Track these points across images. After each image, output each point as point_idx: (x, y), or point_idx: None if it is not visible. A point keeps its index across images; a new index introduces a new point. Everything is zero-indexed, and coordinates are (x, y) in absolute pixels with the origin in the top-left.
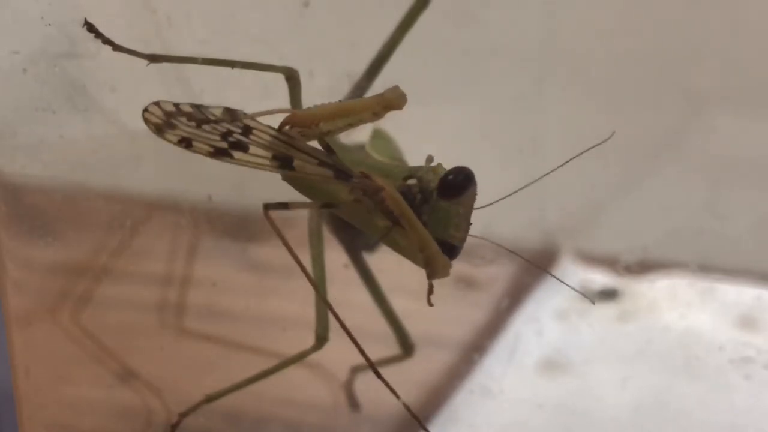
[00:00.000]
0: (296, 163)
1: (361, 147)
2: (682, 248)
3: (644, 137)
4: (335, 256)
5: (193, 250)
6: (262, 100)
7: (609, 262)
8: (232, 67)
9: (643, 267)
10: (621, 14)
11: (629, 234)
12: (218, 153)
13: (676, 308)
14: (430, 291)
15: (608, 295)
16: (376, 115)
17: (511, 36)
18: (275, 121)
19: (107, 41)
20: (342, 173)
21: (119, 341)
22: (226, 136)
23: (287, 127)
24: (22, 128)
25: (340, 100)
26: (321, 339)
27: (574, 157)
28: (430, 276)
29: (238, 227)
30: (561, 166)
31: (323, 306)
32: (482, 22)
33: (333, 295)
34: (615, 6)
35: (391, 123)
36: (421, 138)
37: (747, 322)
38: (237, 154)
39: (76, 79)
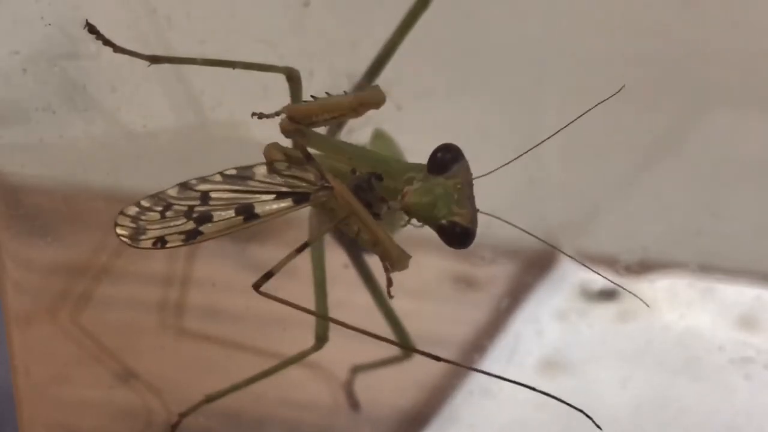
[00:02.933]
0: (257, 209)
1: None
2: (682, 248)
3: (644, 137)
4: (335, 256)
5: (193, 250)
6: (262, 101)
7: (609, 262)
8: (233, 68)
9: (643, 267)
10: (621, 14)
11: (629, 234)
12: (190, 236)
13: (676, 308)
14: (389, 284)
15: (608, 295)
16: (356, 112)
17: (511, 36)
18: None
19: (108, 43)
20: (298, 195)
21: (119, 341)
22: (189, 214)
23: (284, 116)
24: (22, 128)
25: (327, 93)
26: (321, 339)
27: (579, 116)
28: (389, 269)
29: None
30: (564, 127)
31: (323, 306)
32: (482, 22)
33: (333, 295)
34: (615, 6)
35: (391, 123)
36: (421, 138)
37: (747, 322)
38: (205, 228)
39: (76, 79)
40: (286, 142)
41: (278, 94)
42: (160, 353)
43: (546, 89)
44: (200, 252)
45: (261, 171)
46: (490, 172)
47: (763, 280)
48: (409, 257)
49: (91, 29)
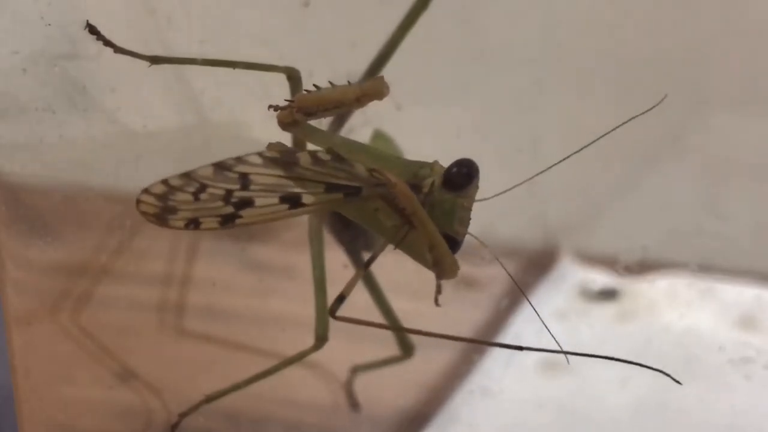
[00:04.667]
0: (305, 198)
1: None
2: (682, 248)
3: (644, 137)
4: (335, 256)
5: (193, 250)
6: (263, 101)
7: (609, 262)
8: (234, 68)
9: (643, 267)
10: (621, 14)
11: (629, 234)
12: (227, 221)
13: (676, 308)
14: (438, 291)
15: (608, 295)
16: (359, 102)
17: (511, 36)
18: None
19: (109, 43)
20: (350, 189)
21: (119, 341)
22: (227, 198)
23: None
24: (22, 128)
25: (330, 83)
26: (321, 339)
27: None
28: (439, 276)
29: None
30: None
31: (323, 306)
32: (482, 22)
33: (333, 295)
34: (615, 6)
35: (391, 123)
36: (421, 138)
37: (747, 322)
38: (246, 213)
39: (76, 79)
40: (290, 141)
41: (278, 94)
42: (160, 353)
43: (546, 89)
44: (200, 252)
45: (306, 158)
46: (493, 196)
47: (763, 280)
48: (458, 266)
49: (92, 30)
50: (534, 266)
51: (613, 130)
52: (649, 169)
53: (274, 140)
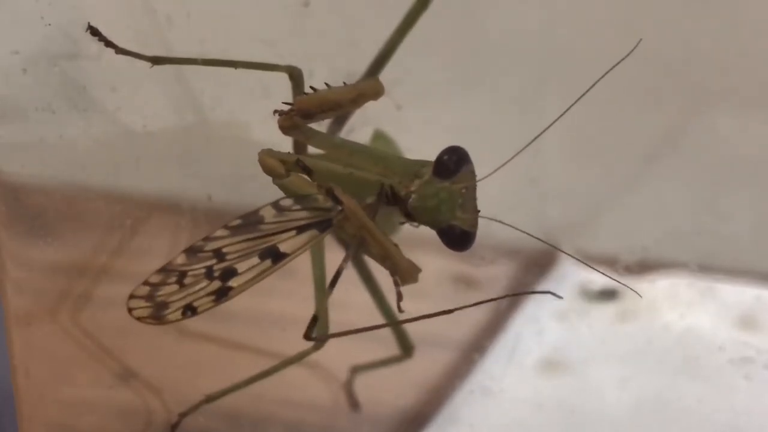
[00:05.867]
0: (283, 248)
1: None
2: (682, 248)
3: (644, 137)
4: (335, 256)
5: None
6: (262, 101)
7: (609, 262)
8: (235, 68)
9: (643, 267)
10: (621, 14)
11: (629, 234)
12: (220, 295)
13: (676, 308)
14: (399, 298)
15: (608, 295)
16: (355, 103)
17: (511, 36)
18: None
19: (110, 44)
20: (322, 224)
21: (119, 341)
22: (209, 274)
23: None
24: (22, 128)
25: (326, 84)
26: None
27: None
28: (399, 283)
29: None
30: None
31: (323, 306)
32: (482, 22)
33: (333, 295)
34: (615, 6)
35: (391, 123)
36: (421, 138)
37: (747, 322)
38: (234, 282)
39: (76, 79)
40: (280, 148)
41: (279, 94)
42: (160, 353)
43: (546, 89)
44: None
45: (270, 212)
46: (494, 171)
47: (763, 280)
48: (419, 270)
49: (93, 31)
50: (534, 266)
51: (596, 82)
52: (649, 169)
53: (274, 141)
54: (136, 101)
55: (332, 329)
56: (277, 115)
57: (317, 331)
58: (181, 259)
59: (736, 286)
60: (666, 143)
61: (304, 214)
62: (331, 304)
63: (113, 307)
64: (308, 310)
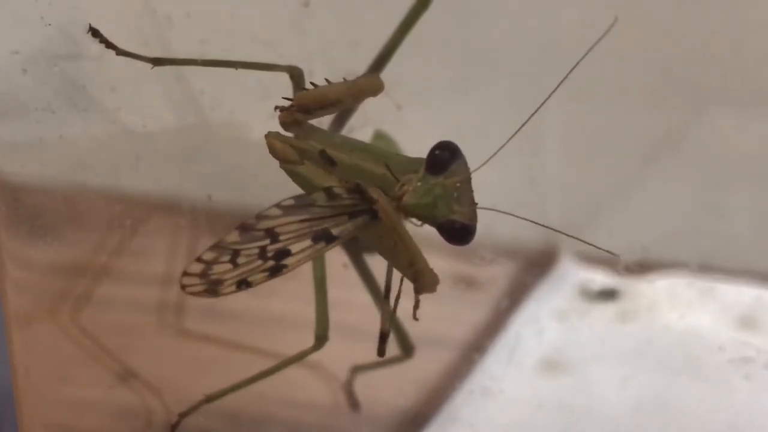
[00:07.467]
0: (335, 231)
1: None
2: (682, 248)
3: (644, 137)
4: (335, 256)
5: (193, 250)
6: (263, 101)
7: (609, 262)
8: (236, 68)
9: (643, 267)
10: (621, 14)
11: (629, 234)
12: (274, 272)
13: (676, 308)
14: (416, 306)
15: (608, 295)
16: (355, 99)
17: (511, 36)
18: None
19: (111, 45)
20: (373, 212)
21: (119, 341)
22: (263, 254)
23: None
24: (22, 128)
25: (327, 80)
26: (321, 339)
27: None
28: (418, 291)
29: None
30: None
31: (323, 306)
32: (482, 22)
33: (333, 295)
34: (615, 6)
35: (391, 123)
36: (421, 138)
37: (747, 322)
38: (288, 261)
39: (76, 79)
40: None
41: (279, 94)
42: (160, 353)
43: (546, 89)
44: (200, 252)
45: (321, 197)
46: (488, 160)
47: (763, 280)
48: (438, 281)
49: (94, 33)
50: (534, 266)
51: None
52: (649, 169)
53: None
54: (136, 101)
55: (332, 329)
56: (277, 111)
57: (317, 331)
58: (233, 237)
59: (736, 286)
60: (666, 143)
61: (355, 200)
62: (331, 304)
63: (113, 307)
64: (308, 311)
